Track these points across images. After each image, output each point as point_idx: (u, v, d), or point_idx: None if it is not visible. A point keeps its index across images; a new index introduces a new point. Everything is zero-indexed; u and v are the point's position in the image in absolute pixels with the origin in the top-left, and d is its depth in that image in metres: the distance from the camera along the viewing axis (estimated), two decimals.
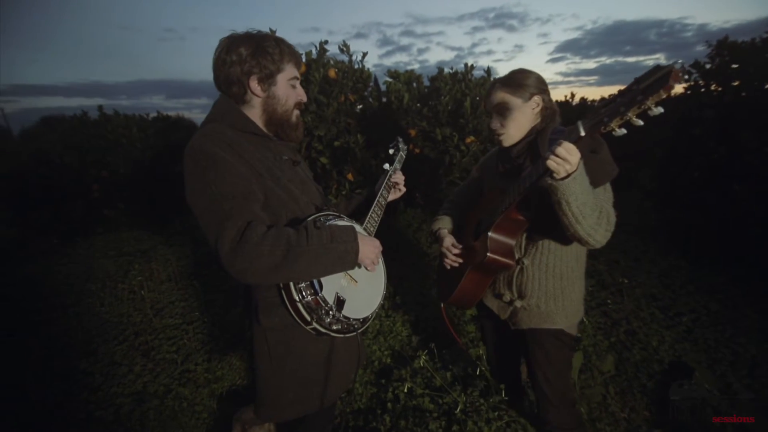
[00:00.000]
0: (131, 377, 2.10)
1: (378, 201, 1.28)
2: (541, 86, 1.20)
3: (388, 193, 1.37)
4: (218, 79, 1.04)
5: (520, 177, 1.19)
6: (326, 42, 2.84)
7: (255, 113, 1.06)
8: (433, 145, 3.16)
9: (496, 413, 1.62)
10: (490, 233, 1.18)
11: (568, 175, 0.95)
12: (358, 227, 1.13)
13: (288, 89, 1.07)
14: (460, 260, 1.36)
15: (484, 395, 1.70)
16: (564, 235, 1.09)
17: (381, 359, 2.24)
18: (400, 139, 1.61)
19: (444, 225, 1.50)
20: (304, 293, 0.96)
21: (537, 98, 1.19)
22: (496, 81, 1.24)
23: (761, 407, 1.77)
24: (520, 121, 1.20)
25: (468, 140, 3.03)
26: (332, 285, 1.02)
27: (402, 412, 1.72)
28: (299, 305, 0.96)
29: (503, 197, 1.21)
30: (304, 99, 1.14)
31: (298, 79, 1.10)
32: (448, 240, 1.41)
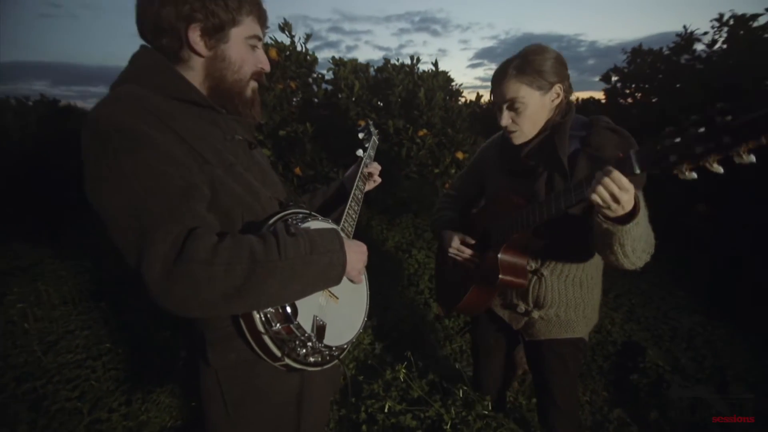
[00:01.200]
0: None
1: (354, 194, 1.06)
2: (563, 71, 1.01)
3: (365, 184, 1.16)
4: (144, 26, 0.73)
5: (535, 187, 1.04)
6: None
7: (194, 77, 0.77)
8: (385, 137, 2.99)
9: (484, 422, 1.50)
10: (500, 255, 1.05)
11: (629, 217, 0.80)
12: (337, 228, 0.90)
13: (245, 51, 0.79)
14: (471, 265, 1.19)
15: (467, 404, 1.58)
16: (588, 250, 0.99)
17: (346, 374, 2.00)
18: (371, 122, 1.42)
19: (448, 225, 1.32)
20: (272, 322, 0.71)
21: (558, 88, 1.01)
22: (508, 66, 1.01)
23: (705, 377, 1.94)
24: (538, 116, 1.02)
25: (420, 133, 2.93)
26: (309, 307, 0.77)
27: None
28: (265, 337, 0.71)
29: (516, 213, 1.03)
30: (267, 68, 0.86)
31: (260, 39, 0.82)
32: (457, 240, 1.21)
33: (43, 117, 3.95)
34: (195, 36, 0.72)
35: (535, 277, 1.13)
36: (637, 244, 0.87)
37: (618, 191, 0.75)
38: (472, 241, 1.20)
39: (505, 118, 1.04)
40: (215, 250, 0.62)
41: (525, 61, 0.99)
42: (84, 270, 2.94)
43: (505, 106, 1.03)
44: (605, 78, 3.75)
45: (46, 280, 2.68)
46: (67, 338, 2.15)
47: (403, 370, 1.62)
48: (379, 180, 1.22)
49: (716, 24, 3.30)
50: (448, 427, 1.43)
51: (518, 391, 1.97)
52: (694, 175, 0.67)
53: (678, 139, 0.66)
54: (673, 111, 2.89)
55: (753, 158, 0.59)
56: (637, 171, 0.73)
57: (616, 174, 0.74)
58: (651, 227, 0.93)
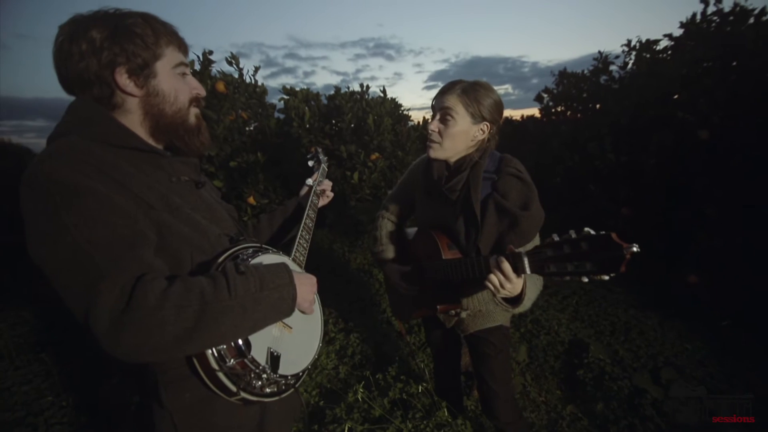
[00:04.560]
0: None
1: (305, 223, 1.09)
2: (496, 115, 1.12)
3: (315, 213, 1.19)
4: (67, 81, 0.74)
5: (454, 226, 1.18)
6: (211, 53, 2.54)
7: (134, 120, 0.78)
8: (338, 162, 3.08)
9: (442, 430, 1.57)
10: (434, 292, 1.26)
11: (517, 300, 0.99)
12: (288, 261, 0.93)
13: (175, 81, 0.80)
14: (414, 292, 1.37)
15: (428, 414, 1.64)
16: None
17: (309, 401, 2.00)
18: (320, 150, 1.45)
19: (387, 252, 1.49)
20: (225, 358, 0.72)
21: (486, 126, 1.12)
22: (457, 84, 1.12)
23: (640, 366, 2.12)
24: (460, 139, 1.12)
25: (373, 156, 3.05)
26: (263, 340, 0.79)
27: None
28: (219, 374, 0.72)
29: (441, 261, 1.17)
30: (202, 93, 0.87)
31: (186, 66, 0.84)
32: (398, 277, 1.39)
33: None
34: (123, 79, 0.73)
35: None
36: (528, 304, 1.07)
37: (504, 281, 0.92)
38: (410, 283, 1.38)
39: (434, 124, 1.14)
40: (164, 294, 0.62)
41: (472, 88, 1.10)
42: (21, 321, 2.72)
43: (438, 114, 1.13)
44: (538, 98, 4.13)
45: None
46: (4, 395, 1.98)
47: (361, 390, 1.65)
48: (331, 195, 1.29)
49: (626, 48, 3.76)
50: None
51: (478, 399, 2.05)
52: (568, 278, 0.79)
53: (554, 253, 0.80)
54: (597, 127, 3.23)
55: (606, 277, 0.72)
56: (528, 272, 0.87)
57: (505, 266, 0.90)
58: (541, 283, 1.12)
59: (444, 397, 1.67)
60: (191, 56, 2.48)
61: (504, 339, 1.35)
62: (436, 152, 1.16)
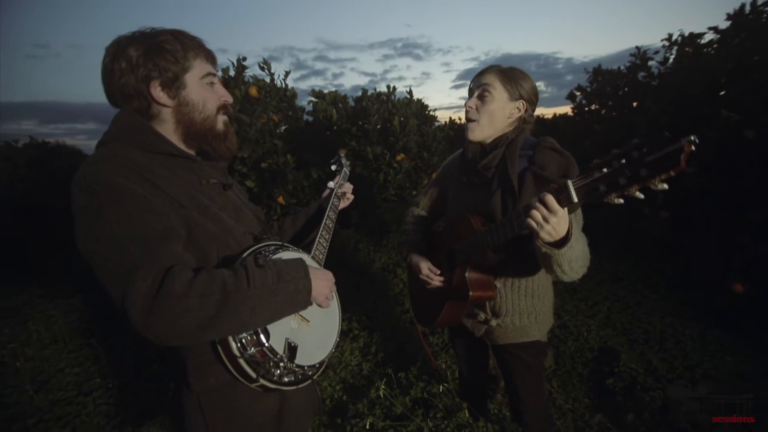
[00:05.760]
0: None
1: (325, 224, 1.15)
2: (532, 97, 1.15)
3: (335, 214, 1.25)
4: (113, 96, 0.84)
5: (490, 202, 1.13)
6: (245, 59, 2.66)
7: (168, 128, 0.87)
8: (364, 163, 3.13)
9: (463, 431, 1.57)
10: (467, 274, 1.13)
11: (564, 242, 0.88)
12: (306, 257, 0.99)
13: (204, 90, 0.88)
14: (443, 285, 1.28)
15: (449, 415, 1.64)
16: (536, 264, 1.06)
17: (333, 396, 2.05)
18: (342, 154, 1.51)
19: (413, 247, 1.41)
20: (246, 345, 0.79)
21: (522, 104, 1.13)
22: (495, 66, 1.15)
23: (675, 377, 2.02)
24: (496, 116, 1.13)
25: (398, 158, 3.08)
26: (281, 330, 0.85)
27: None
28: (240, 361, 0.78)
29: (475, 236, 1.11)
30: (230, 100, 0.95)
31: (214, 75, 0.92)
32: (425, 266, 1.31)
33: (33, 159, 4.04)
34: (157, 91, 0.82)
35: None
36: (574, 264, 0.95)
37: (548, 214, 0.83)
38: (438, 271, 1.30)
39: (472, 101, 1.15)
40: (190, 284, 0.69)
41: (510, 69, 1.14)
42: (73, 309, 2.97)
43: (476, 92, 1.15)
44: (570, 97, 3.99)
45: (36, 320, 2.70)
46: (57, 376, 2.18)
47: (383, 387, 1.68)
48: (352, 197, 1.33)
49: (666, 43, 3.57)
50: None
51: (501, 402, 2.03)
52: (621, 200, 0.74)
53: (605, 170, 0.74)
54: (634, 125, 3.09)
55: (666, 186, 0.66)
56: (575, 199, 0.79)
57: (549, 198, 0.82)
58: (587, 246, 1.02)
59: (467, 399, 1.66)
60: (226, 62, 2.61)
61: (537, 354, 1.27)
62: (474, 132, 1.16)
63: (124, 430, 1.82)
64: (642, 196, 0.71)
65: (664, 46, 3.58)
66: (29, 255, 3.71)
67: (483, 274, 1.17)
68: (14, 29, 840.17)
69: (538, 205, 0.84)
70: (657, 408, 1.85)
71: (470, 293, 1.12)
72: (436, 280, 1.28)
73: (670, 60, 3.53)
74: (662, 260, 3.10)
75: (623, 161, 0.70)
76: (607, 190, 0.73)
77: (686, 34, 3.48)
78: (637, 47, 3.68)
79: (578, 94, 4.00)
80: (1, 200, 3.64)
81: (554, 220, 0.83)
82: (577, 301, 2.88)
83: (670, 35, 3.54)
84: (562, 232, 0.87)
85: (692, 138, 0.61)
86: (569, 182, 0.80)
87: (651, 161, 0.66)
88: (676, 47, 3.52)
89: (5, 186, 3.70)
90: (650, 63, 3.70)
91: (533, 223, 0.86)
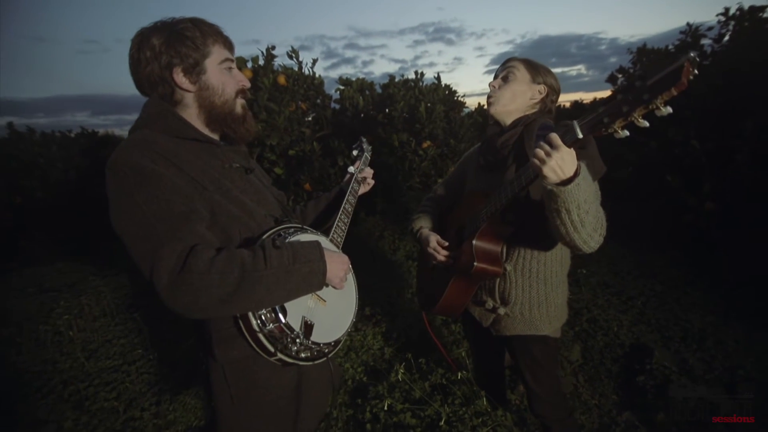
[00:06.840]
0: None
1: (344, 208, 1.17)
2: (555, 86, 1.19)
3: (355, 198, 1.26)
4: (140, 84, 0.89)
5: (504, 177, 1.13)
6: (273, 48, 2.71)
7: (191, 113, 0.91)
8: (390, 151, 3.13)
9: (480, 420, 1.57)
10: (474, 242, 1.10)
11: (570, 180, 0.84)
12: (324, 240, 1.01)
13: (222, 75, 0.91)
14: (450, 261, 1.25)
15: (467, 402, 1.65)
16: (549, 239, 1.04)
17: (354, 377, 2.11)
18: (364, 139, 1.50)
19: (424, 224, 1.40)
20: (265, 322, 0.83)
21: (543, 88, 1.17)
22: (518, 56, 1.23)
23: (713, 378, 1.91)
24: (518, 93, 1.16)
25: (425, 145, 3.04)
26: (298, 309, 0.89)
27: (383, 431, 1.61)
28: (260, 335, 0.83)
29: (487, 201, 1.11)
30: (247, 84, 0.99)
31: (232, 61, 0.96)
32: (433, 239, 1.29)
33: (85, 147, 4.37)
34: (179, 77, 0.86)
35: (501, 273, 1.18)
36: (584, 215, 0.88)
37: (550, 149, 0.83)
38: (446, 243, 1.27)
39: (495, 81, 1.21)
40: (212, 262, 0.73)
41: (534, 61, 1.20)
42: (120, 286, 3.22)
43: (500, 75, 1.21)
44: (611, 79, 3.74)
45: (89, 295, 2.96)
46: (106, 346, 2.40)
47: (401, 371, 1.71)
48: (372, 182, 1.34)
49: (722, 18, 3.25)
50: (443, 423, 1.50)
51: (523, 393, 2.01)
52: (626, 132, 0.75)
53: (610, 103, 0.76)
54: (680, 109, 2.86)
55: (670, 109, 0.68)
56: (579, 135, 0.80)
57: (552, 135, 0.83)
58: (602, 210, 0.99)
59: (485, 389, 1.65)
60: (256, 51, 2.67)
61: (546, 350, 1.24)
62: (494, 106, 1.18)
63: (163, 398, 1.98)
64: (647, 123, 0.72)
65: (719, 22, 3.26)
66: (84, 238, 4.05)
67: (491, 244, 1.13)
68: (68, 27, 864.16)
69: (541, 143, 0.85)
70: (687, 409, 1.75)
71: (475, 263, 1.07)
72: (443, 254, 1.25)
73: (726, 37, 3.22)
74: (707, 256, 2.89)
75: (625, 94, 0.72)
76: (610, 120, 0.74)
77: (746, 7, 3.15)
78: (688, 24, 3.38)
79: (620, 76, 3.74)
80: (58, 188, 3.98)
81: (557, 155, 0.82)
82: (609, 295, 2.76)
83: (727, 9, 3.22)
84: (569, 172, 0.84)
85: (692, 54, 0.63)
86: (575, 122, 0.81)
87: (652, 83, 0.67)
88: (733, 22, 3.20)
89: (61, 173, 4.04)
90: (703, 42, 3.40)
91: (536, 162, 0.85)
